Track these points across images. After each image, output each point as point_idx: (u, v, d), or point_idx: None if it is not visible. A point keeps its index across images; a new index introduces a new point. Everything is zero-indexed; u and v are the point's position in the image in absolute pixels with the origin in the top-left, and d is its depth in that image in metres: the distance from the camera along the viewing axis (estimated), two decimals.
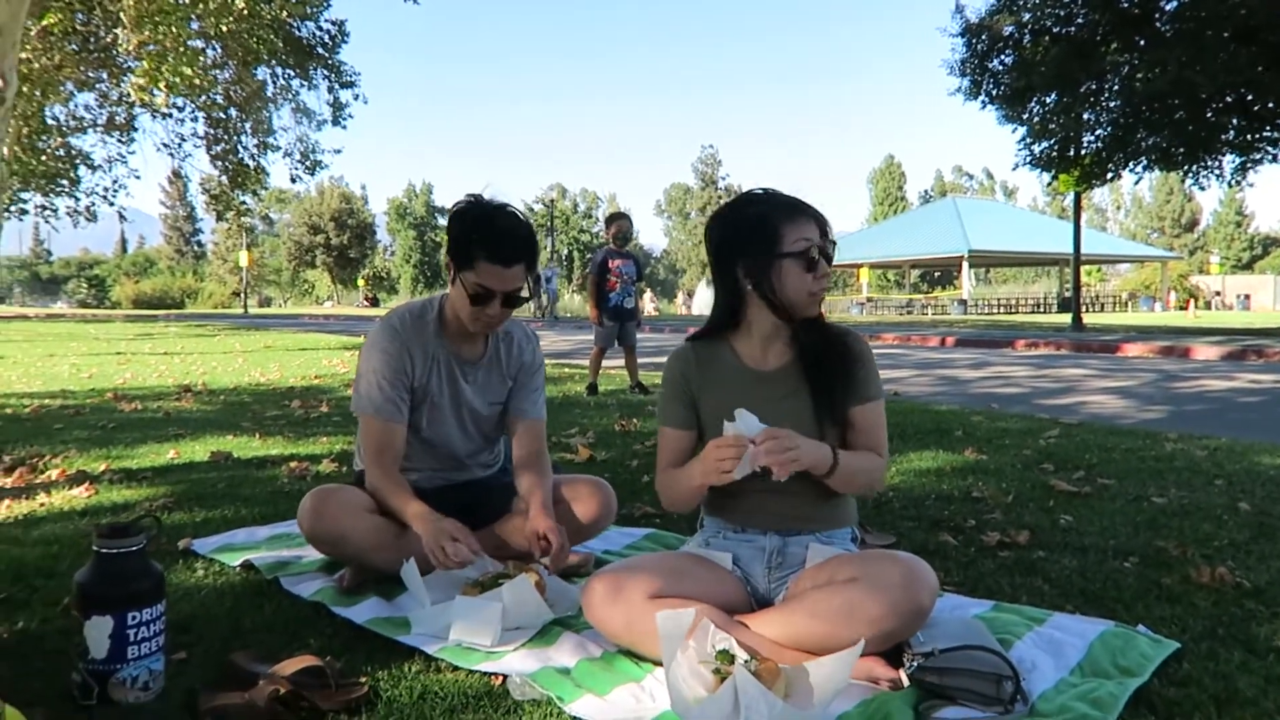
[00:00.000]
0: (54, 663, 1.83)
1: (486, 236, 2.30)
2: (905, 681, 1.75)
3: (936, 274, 62.73)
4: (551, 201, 69.81)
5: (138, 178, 25.70)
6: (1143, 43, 16.14)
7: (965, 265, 41.47)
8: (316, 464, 3.89)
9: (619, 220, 7.57)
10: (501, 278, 2.31)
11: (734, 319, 2.04)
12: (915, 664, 1.75)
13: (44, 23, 14.64)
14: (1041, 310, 43.09)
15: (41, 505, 3.23)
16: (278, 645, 1.96)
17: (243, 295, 49.95)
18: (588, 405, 6.13)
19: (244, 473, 3.78)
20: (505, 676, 1.81)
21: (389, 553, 2.28)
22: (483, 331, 2.45)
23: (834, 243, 2.00)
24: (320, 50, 19.01)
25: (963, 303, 39.98)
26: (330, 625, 2.11)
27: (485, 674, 1.84)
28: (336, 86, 19.47)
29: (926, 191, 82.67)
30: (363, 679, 1.78)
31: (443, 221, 73.88)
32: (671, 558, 2.07)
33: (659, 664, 1.81)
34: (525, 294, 2.41)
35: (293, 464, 3.86)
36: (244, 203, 22.79)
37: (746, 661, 1.69)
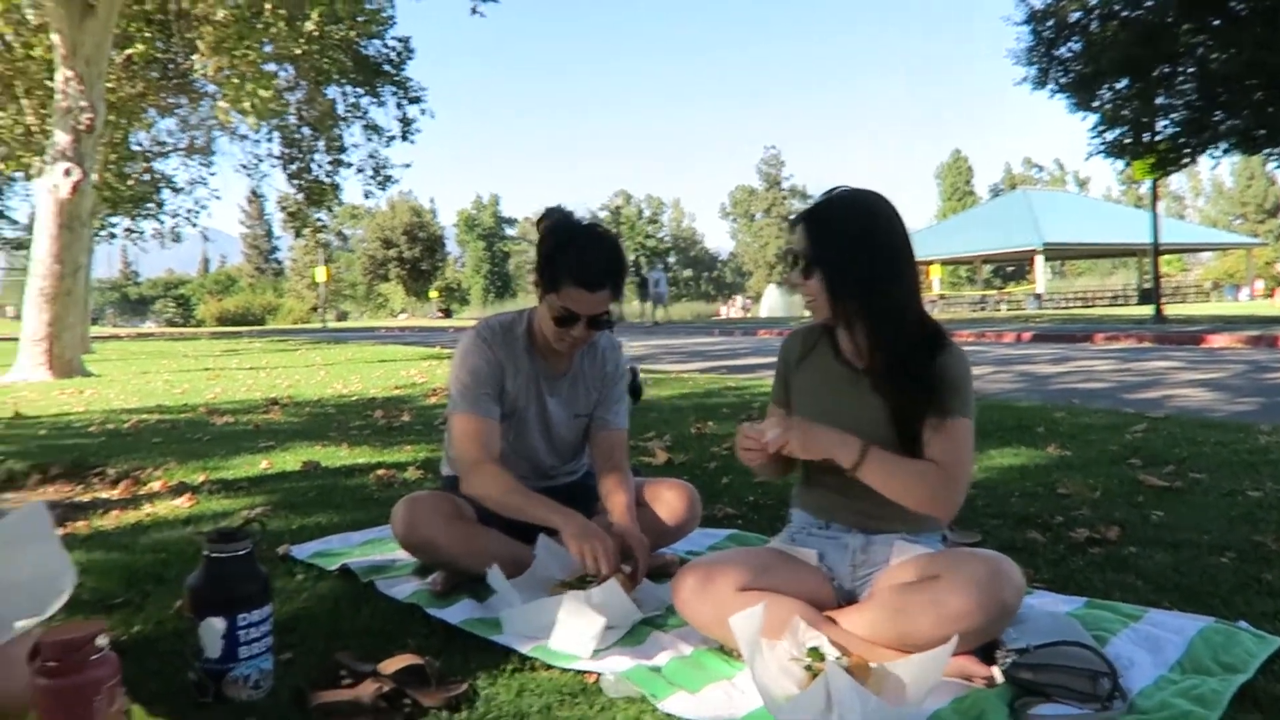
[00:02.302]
0: (170, 663, 1.92)
1: (573, 261, 2.34)
2: (999, 678, 1.75)
3: (1009, 269, 61.34)
4: (617, 208, 70.19)
5: (218, 198, 26.67)
6: (1216, 23, 15.58)
7: (1039, 259, 40.49)
8: (402, 471, 3.99)
9: None
10: (587, 302, 2.35)
11: None
12: (1009, 661, 1.74)
13: (127, 52, 15.27)
14: (1120, 303, 41.81)
15: (147, 515, 3.39)
16: (377, 645, 2.03)
17: (320, 310, 51.31)
18: (664, 409, 6.16)
19: (333, 481, 3.90)
20: (599, 674, 1.86)
21: (476, 557, 2.33)
22: (568, 351, 2.50)
23: None
24: (387, 67, 19.43)
25: (1037, 297, 39.03)
26: (426, 626, 2.17)
27: (579, 672, 1.88)
28: (404, 102, 19.86)
29: (996, 185, 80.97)
30: (462, 677, 1.84)
31: (510, 232, 74.86)
32: (758, 553, 2.09)
33: None
34: (611, 318, 2.45)
35: (380, 472, 3.98)
36: (319, 219, 23.40)
37: (837, 658, 1.70)
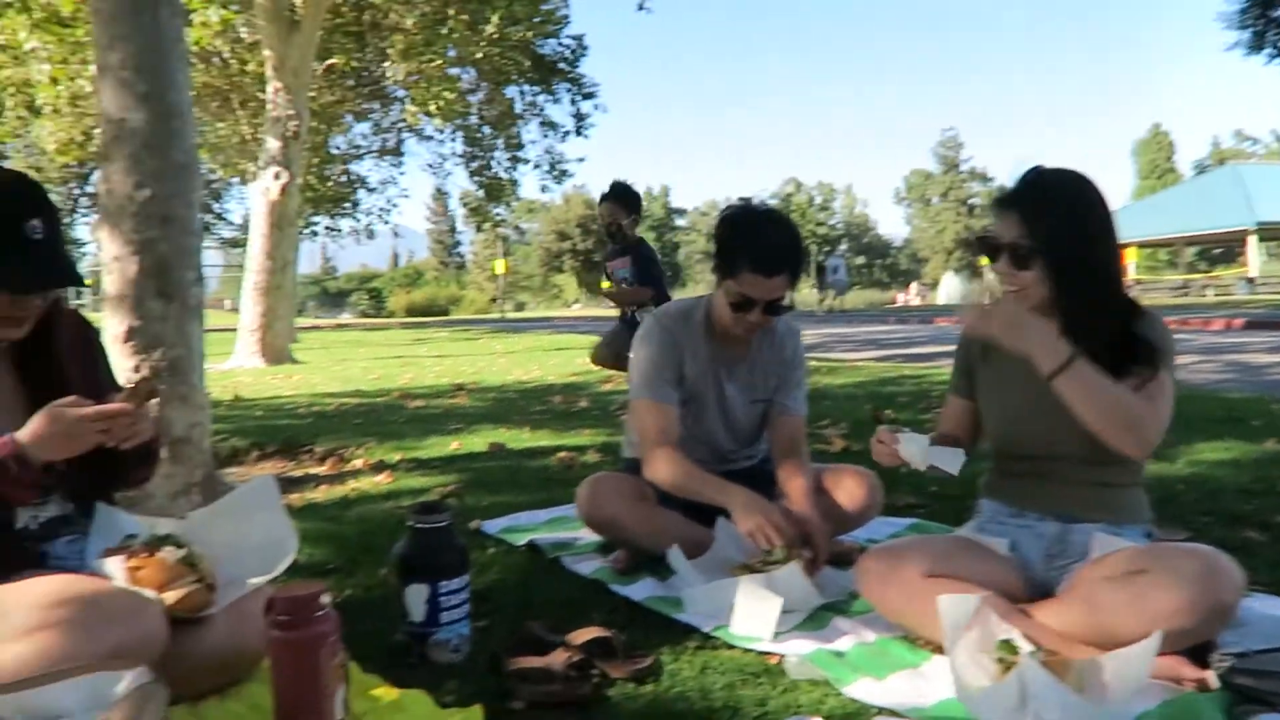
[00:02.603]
0: (379, 625, 2.07)
1: (750, 246, 2.35)
2: (1214, 683, 1.63)
3: (1216, 251, 56.40)
4: (788, 196, 69.34)
5: (407, 197, 28.09)
6: None
7: (1252, 239, 36.96)
8: (582, 454, 4.12)
9: (604, 202, 5.24)
10: (764, 287, 2.35)
11: None
12: (1226, 665, 1.62)
13: (327, 63, 16.35)
14: None
15: (352, 490, 3.65)
16: (565, 617, 2.11)
17: (499, 301, 53.37)
18: (838, 396, 6.06)
19: (518, 462, 4.07)
20: (781, 656, 1.86)
21: (657, 537, 2.38)
22: (745, 336, 2.50)
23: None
24: (562, 65, 19.93)
25: (1250, 281, 35.65)
26: (610, 601, 2.24)
27: (761, 652, 1.90)
28: (578, 98, 20.33)
29: (1201, 160, 74.51)
30: (646, 652, 1.89)
31: (680, 222, 75.33)
32: (944, 540, 2.04)
33: (937, 649, 1.80)
34: (788, 303, 2.44)
35: (561, 454, 4.12)
36: (498, 214, 24.33)
37: (1033, 652, 1.64)
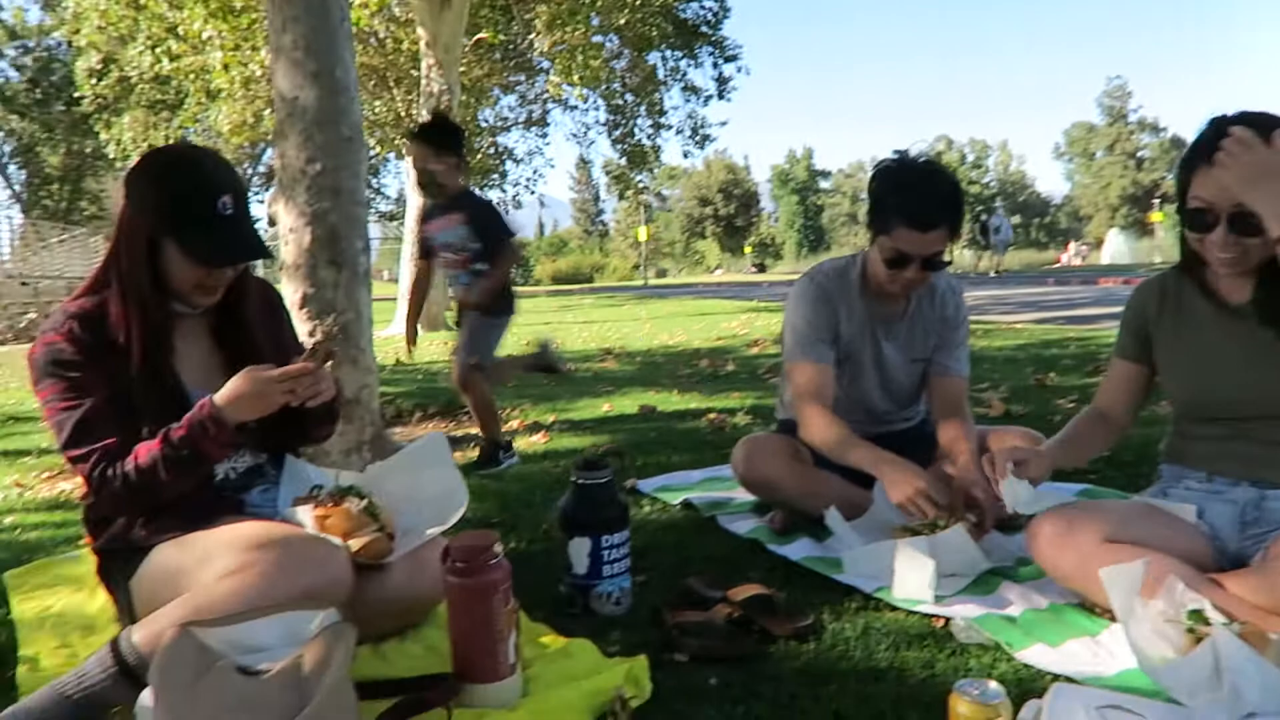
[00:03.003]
0: (542, 576, 2.14)
1: (904, 200, 2.27)
2: None
3: None
4: (938, 154, 66.64)
5: (552, 166, 28.91)
6: None
7: None
8: (732, 416, 4.12)
9: (414, 142, 3.84)
10: (920, 242, 2.26)
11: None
12: None
13: (476, 37, 16.75)
14: None
15: None
16: (723, 574, 2.12)
17: (641, 268, 53.77)
18: (996, 360, 5.82)
19: (668, 424, 4.11)
20: (948, 619, 1.82)
21: (813, 498, 2.35)
22: (901, 293, 2.42)
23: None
24: (704, 29, 19.73)
25: None
26: (767, 560, 2.24)
27: (926, 615, 1.86)
28: (720, 61, 20.09)
29: None
30: (807, 611, 1.88)
31: (824, 185, 73.68)
32: (1124, 505, 1.93)
33: (1115, 617, 1.71)
34: (946, 258, 2.34)
35: (711, 416, 4.13)
36: (641, 181, 24.44)
37: (1226, 624, 1.54)
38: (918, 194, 2.27)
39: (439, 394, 5.47)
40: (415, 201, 12.20)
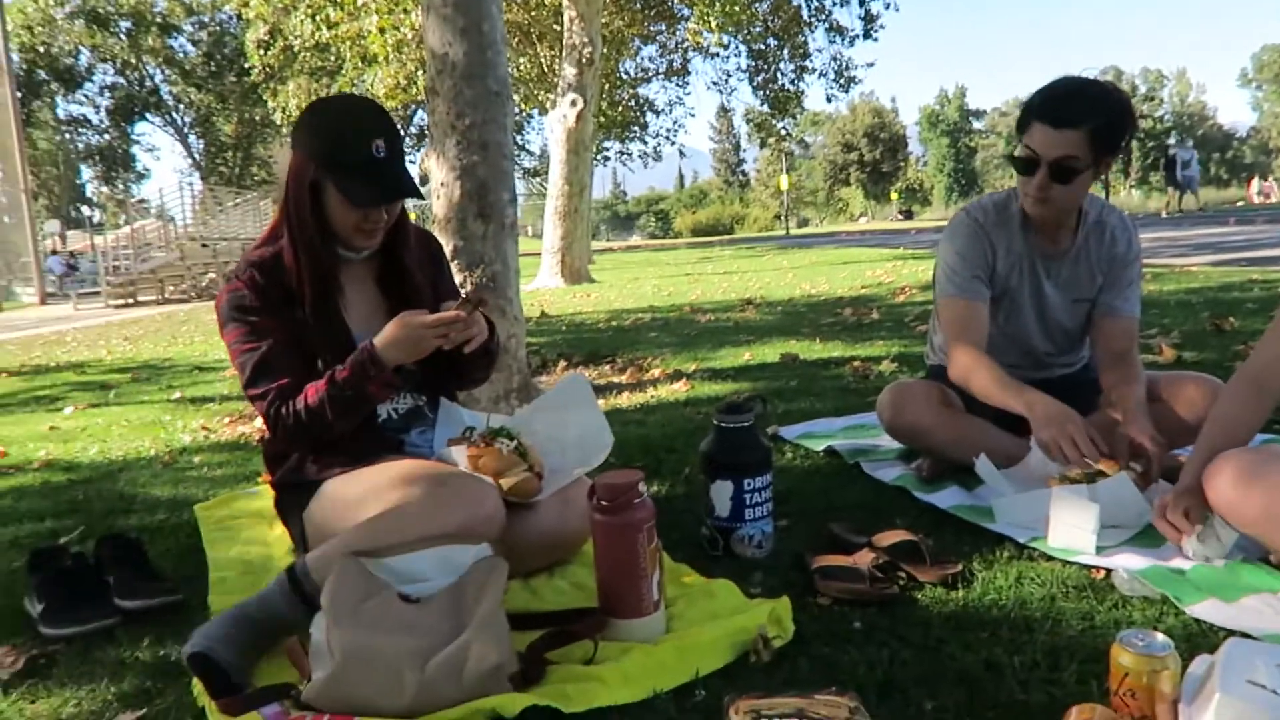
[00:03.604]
0: (684, 519, 2.17)
1: (1043, 93, 2.14)
2: None
3: None
4: None
5: (693, 116, 28.38)
6: None
7: None
8: (877, 364, 4.03)
9: None
10: (1050, 140, 2.10)
11: None
12: None
13: None
14: None
15: (651, 397, 3.82)
16: (867, 521, 2.10)
17: (783, 218, 52.93)
18: (1166, 304, 5.45)
19: (811, 372, 4.06)
20: (1108, 571, 1.74)
21: (964, 446, 2.27)
22: (1039, 213, 2.25)
23: None
24: None
25: None
26: (914, 508, 2.20)
27: (1084, 566, 1.78)
28: None
29: None
30: (955, 558, 1.83)
31: (977, 125, 70.20)
32: None
33: None
34: (1078, 166, 2.15)
35: (855, 364, 4.05)
36: (783, 128, 23.94)
37: None
38: (1058, 87, 2.14)
39: (582, 344, 5.59)
40: (560, 156, 12.37)
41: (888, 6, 19.33)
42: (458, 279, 3.67)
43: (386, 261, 1.96)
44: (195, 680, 1.52)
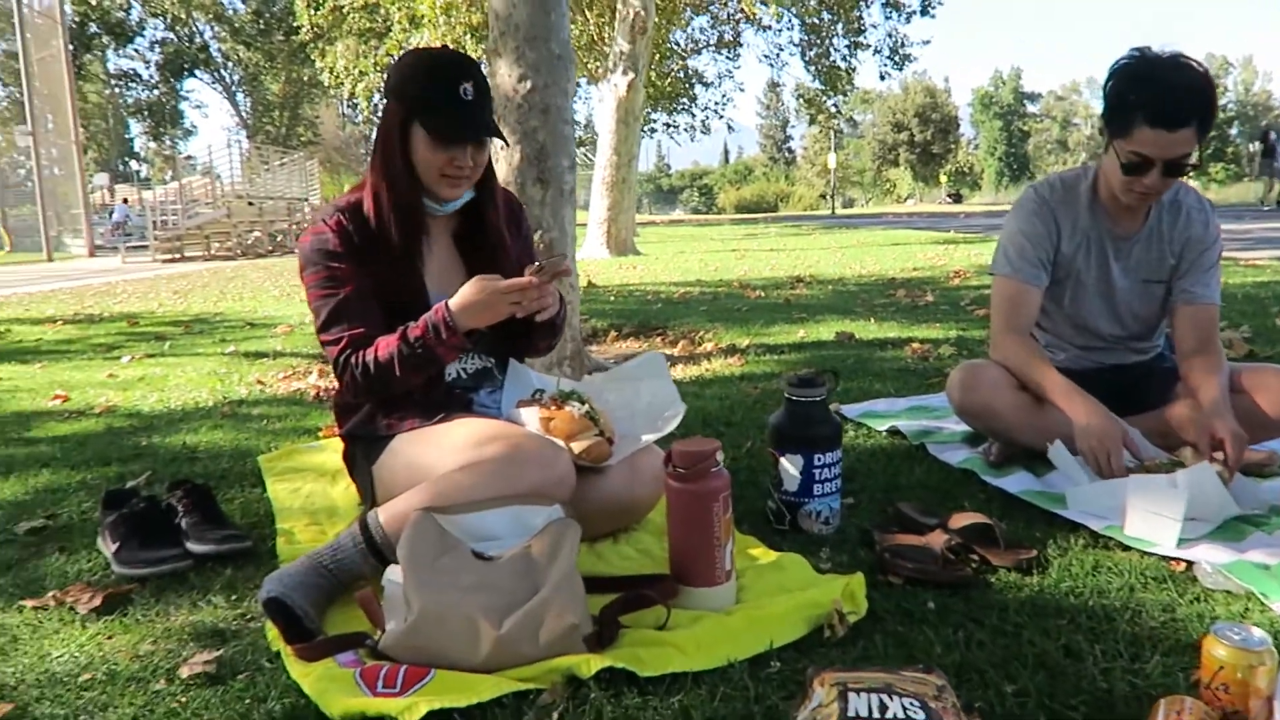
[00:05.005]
0: (747, 491, 2.15)
1: (1147, 94, 2.04)
2: None
3: None
4: None
5: (742, 90, 28.08)
6: None
7: None
8: (937, 347, 3.96)
9: None
10: (1163, 143, 2.03)
11: None
12: None
13: None
14: None
15: (706, 370, 3.80)
16: (935, 502, 2.07)
17: (829, 197, 52.36)
18: (1233, 297, 5.31)
19: (868, 352, 4.01)
20: (1190, 563, 1.70)
21: (1036, 431, 2.23)
22: (1138, 204, 2.22)
23: None
24: None
25: None
26: (982, 492, 2.16)
27: (1163, 557, 1.74)
28: None
29: None
30: (1029, 544, 1.80)
31: (1032, 109, 68.79)
32: None
33: None
34: (1193, 160, 2.11)
35: (914, 345, 4.00)
36: (833, 105, 23.63)
37: None
38: (1162, 86, 2.03)
39: (632, 315, 5.57)
40: (609, 127, 12.30)
41: None
42: None
43: (466, 220, 1.95)
44: (269, 625, 1.54)
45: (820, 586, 1.59)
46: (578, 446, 1.77)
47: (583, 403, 1.85)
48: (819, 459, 1.92)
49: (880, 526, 1.92)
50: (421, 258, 1.88)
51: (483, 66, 1.94)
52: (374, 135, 1.90)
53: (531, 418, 1.82)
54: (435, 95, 1.77)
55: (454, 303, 1.77)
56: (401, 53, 1.91)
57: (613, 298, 6.79)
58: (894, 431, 2.65)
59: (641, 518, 1.96)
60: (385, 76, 1.88)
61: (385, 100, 1.85)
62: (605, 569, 1.78)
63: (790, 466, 1.94)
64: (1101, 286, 2.34)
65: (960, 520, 1.83)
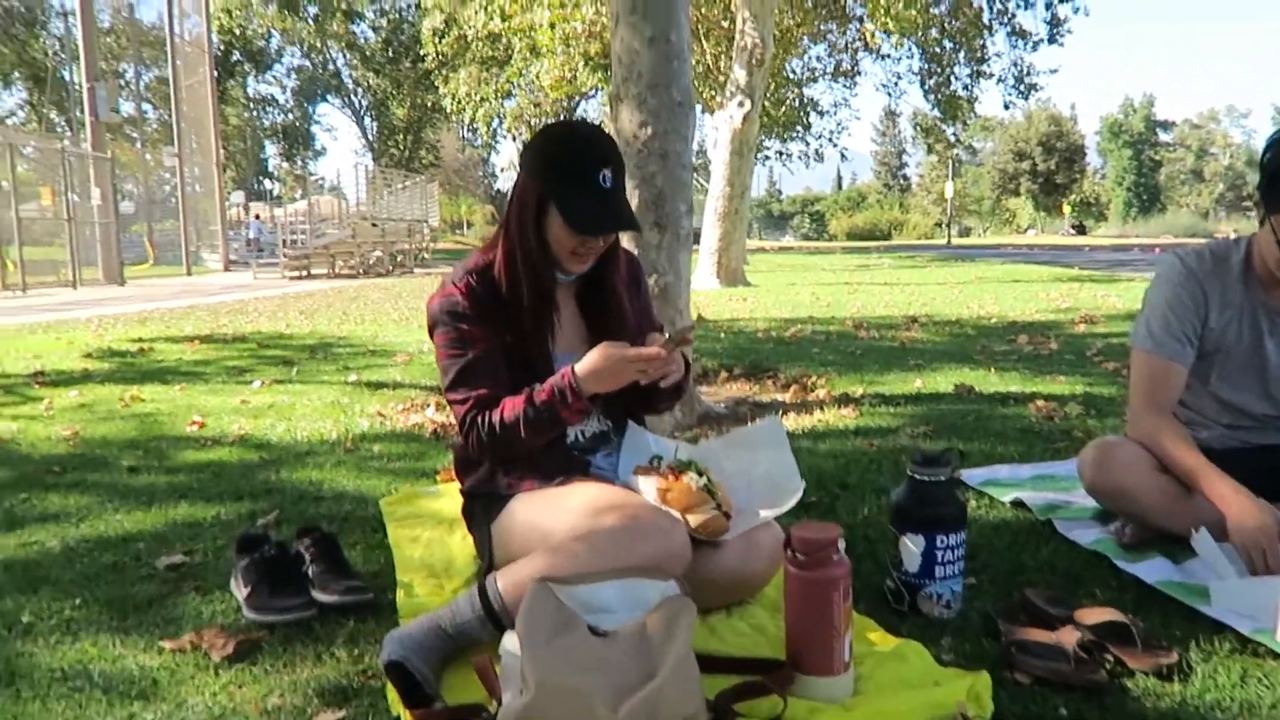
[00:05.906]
0: (863, 565, 2.09)
1: None
2: None
3: None
4: None
5: (858, 119, 27.79)
6: None
7: None
8: (1063, 405, 3.80)
9: None
10: None
11: None
12: None
13: None
14: None
15: (819, 421, 3.73)
16: (1063, 588, 1.98)
17: (945, 226, 51.13)
18: None
19: (988, 407, 3.87)
20: None
21: (1177, 516, 2.11)
22: None
23: None
24: None
25: None
26: (1115, 578, 2.05)
27: None
28: (1055, 1, 18.42)
29: None
30: (1170, 645, 1.70)
31: (1165, 137, 65.86)
32: None
33: None
34: None
35: (1039, 403, 3.84)
36: (952, 134, 23.14)
37: None
38: None
39: (743, 354, 5.54)
40: (723, 157, 12.32)
41: (1076, 10, 18.38)
42: None
43: (590, 283, 1.97)
44: (389, 686, 1.57)
45: (944, 685, 1.53)
46: (694, 520, 1.76)
47: (700, 474, 1.84)
48: (942, 540, 1.86)
49: (1006, 615, 1.84)
50: (551, 324, 1.90)
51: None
52: (507, 199, 1.93)
53: (649, 487, 1.82)
54: (573, 181, 1.79)
55: (580, 368, 1.79)
56: (542, 127, 1.93)
57: (723, 334, 6.77)
58: (1018, 504, 2.55)
59: (756, 593, 1.93)
60: (520, 150, 1.92)
61: (519, 172, 1.89)
62: (719, 645, 1.76)
63: (912, 546, 1.88)
64: (1255, 364, 2.22)
65: (1093, 615, 1.74)
